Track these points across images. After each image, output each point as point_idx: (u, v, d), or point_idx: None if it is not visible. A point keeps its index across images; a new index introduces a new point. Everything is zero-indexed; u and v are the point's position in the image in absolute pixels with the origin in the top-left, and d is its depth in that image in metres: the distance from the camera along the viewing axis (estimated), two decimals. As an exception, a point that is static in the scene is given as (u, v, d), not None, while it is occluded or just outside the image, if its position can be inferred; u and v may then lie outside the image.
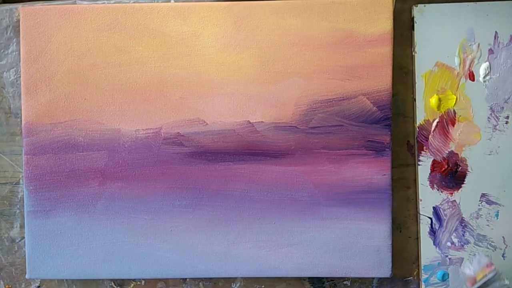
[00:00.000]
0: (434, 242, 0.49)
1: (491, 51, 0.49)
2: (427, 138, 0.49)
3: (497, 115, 0.49)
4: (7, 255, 0.51)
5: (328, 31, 0.48)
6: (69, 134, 0.48)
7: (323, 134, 0.48)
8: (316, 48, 0.48)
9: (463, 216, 0.49)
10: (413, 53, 0.50)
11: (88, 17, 0.48)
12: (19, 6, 0.49)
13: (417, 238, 0.50)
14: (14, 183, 0.51)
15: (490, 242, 0.49)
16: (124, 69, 0.48)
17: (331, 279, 0.51)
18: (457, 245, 0.49)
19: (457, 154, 0.49)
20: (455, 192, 0.49)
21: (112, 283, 0.51)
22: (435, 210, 0.49)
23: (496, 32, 0.49)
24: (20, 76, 0.50)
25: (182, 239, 0.49)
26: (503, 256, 0.49)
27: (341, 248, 0.48)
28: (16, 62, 0.51)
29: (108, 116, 0.48)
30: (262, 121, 0.48)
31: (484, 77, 0.49)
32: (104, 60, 0.48)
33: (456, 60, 0.49)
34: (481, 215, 0.49)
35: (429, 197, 0.49)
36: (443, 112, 0.49)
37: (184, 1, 0.50)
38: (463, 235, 0.49)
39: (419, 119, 0.49)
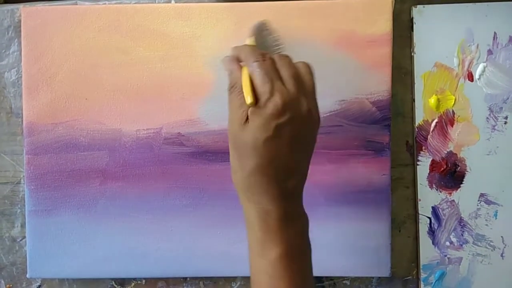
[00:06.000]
0: (433, 242, 0.50)
1: (490, 52, 0.49)
2: (426, 138, 0.50)
3: (496, 115, 0.49)
4: (8, 255, 0.51)
5: (328, 31, 0.48)
6: (70, 134, 0.49)
7: (323, 134, 0.48)
8: (315, 49, 0.48)
9: (462, 215, 0.49)
10: (412, 54, 0.50)
11: (89, 18, 0.48)
12: (21, 6, 0.50)
13: (416, 238, 0.50)
14: (15, 182, 0.51)
15: (489, 241, 0.49)
16: (125, 70, 0.48)
17: (331, 278, 0.51)
18: (456, 244, 0.50)
19: (456, 154, 0.49)
20: (454, 192, 0.49)
21: (113, 282, 0.51)
22: (434, 210, 0.50)
23: (495, 32, 0.49)
24: (21, 76, 0.50)
25: (183, 239, 0.49)
26: (501, 255, 0.49)
27: (341, 247, 0.49)
28: (18, 62, 0.51)
29: (109, 116, 0.49)
30: (262, 121, 0.48)
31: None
32: (105, 61, 0.48)
33: (455, 61, 0.49)
34: (480, 215, 0.49)
35: (428, 197, 0.49)
36: (442, 112, 0.49)
37: (184, 2, 0.50)
38: (462, 234, 0.49)
39: (418, 119, 0.50)
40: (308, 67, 0.39)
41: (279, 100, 0.35)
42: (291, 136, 0.36)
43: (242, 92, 0.36)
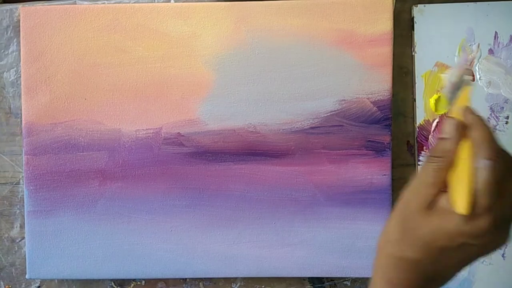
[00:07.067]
0: (434, 242, 0.49)
1: (491, 51, 0.49)
2: (427, 138, 0.49)
3: (497, 115, 0.49)
4: (7, 255, 0.51)
5: (328, 31, 0.48)
6: (69, 134, 0.48)
7: (323, 134, 0.48)
8: (316, 48, 0.48)
9: (463, 216, 0.49)
10: (413, 53, 0.50)
11: (88, 17, 0.48)
12: (20, 6, 0.49)
13: (417, 238, 0.50)
14: (14, 183, 0.51)
15: (490, 242, 0.49)
16: (124, 69, 0.48)
17: (331, 279, 0.51)
18: (457, 245, 0.49)
19: (457, 154, 0.49)
20: (455, 192, 0.49)
21: (112, 283, 0.51)
22: (435, 210, 0.49)
23: (496, 32, 0.49)
24: (20, 76, 0.49)
25: (182, 239, 0.49)
26: (503, 256, 0.49)
27: (341, 248, 0.48)
28: (17, 62, 0.51)
29: (108, 116, 0.48)
30: (262, 121, 0.48)
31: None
32: (104, 60, 0.48)
33: (456, 60, 0.49)
34: (481, 215, 0.49)
35: (429, 197, 0.49)
36: (442, 112, 0.49)
37: (184, 1, 0.50)
38: (463, 235, 0.49)
39: (419, 119, 0.49)
40: None
41: (486, 224, 0.30)
42: (468, 259, 0.32)
43: (445, 172, 0.32)
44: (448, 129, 0.32)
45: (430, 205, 0.32)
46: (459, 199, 0.30)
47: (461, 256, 0.32)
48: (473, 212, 0.30)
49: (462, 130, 0.32)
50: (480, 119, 0.32)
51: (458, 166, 0.31)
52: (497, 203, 0.30)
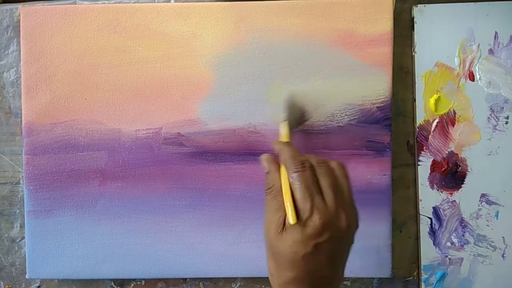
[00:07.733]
0: (434, 242, 0.49)
1: (491, 51, 0.49)
2: (427, 138, 0.49)
3: (497, 115, 0.49)
4: (7, 255, 0.51)
5: (328, 31, 0.48)
6: (69, 134, 0.48)
7: (323, 134, 0.48)
8: (316, 48, 0.48)
9: (463, 216, 0.49)
10: (413, 53, 0.50)
11: (89, 17, 0.48)
12: (20, 6, 0.49)
13: (417, 238, 0.50)
14: (14, 183, 0.51)
15: (490, 242, 0.49)
16: (124, 69, 0.48)
17: (331, 279, 0.51)
18: (457, 245, 0.49)
19: (457, 154, 0.49)
20: (455, 192, 0.49)
21: (112, 283, 0.51)
22: (435, 210, 0.49)
23: (496, 32, 0.49)
24: (20, 76, 0.50)
25: (182, 239, 0.49)
26: (502, 256, 0.49)
27: (341, 248, 0.48)
28: (17, 62, 0.51)
29: (109, 116, 0.48)
30: (262, 121, 0.48)
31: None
32: (104, 60, 0.48)
33: (456, 60, 0.49)
34: (481, 215, 0.49)
35: (429, 197, 0.49)
36: (443, 112, 0.49)
37: (184, 1, 0.50)
38: (463, 235, 0.49)
39: (419, 119, 0.49)
40: (343, 168, 0.38)
41: (318, 221, 0.35)
42: (330, 251, 0.36)
43: (280, 197, 0.36)
44: (264, 165, 0.39)
45: (284, 228, 0.36)
46: (290, 215, 0.35)
47: (325, 255, 0.35)
48: (302, 216, 0.35)
49: (275, 160, 0.39)
50: (284, 144, 0.41)
51: (284, 187, 0.37)
52: (317, 201, 0.35)
